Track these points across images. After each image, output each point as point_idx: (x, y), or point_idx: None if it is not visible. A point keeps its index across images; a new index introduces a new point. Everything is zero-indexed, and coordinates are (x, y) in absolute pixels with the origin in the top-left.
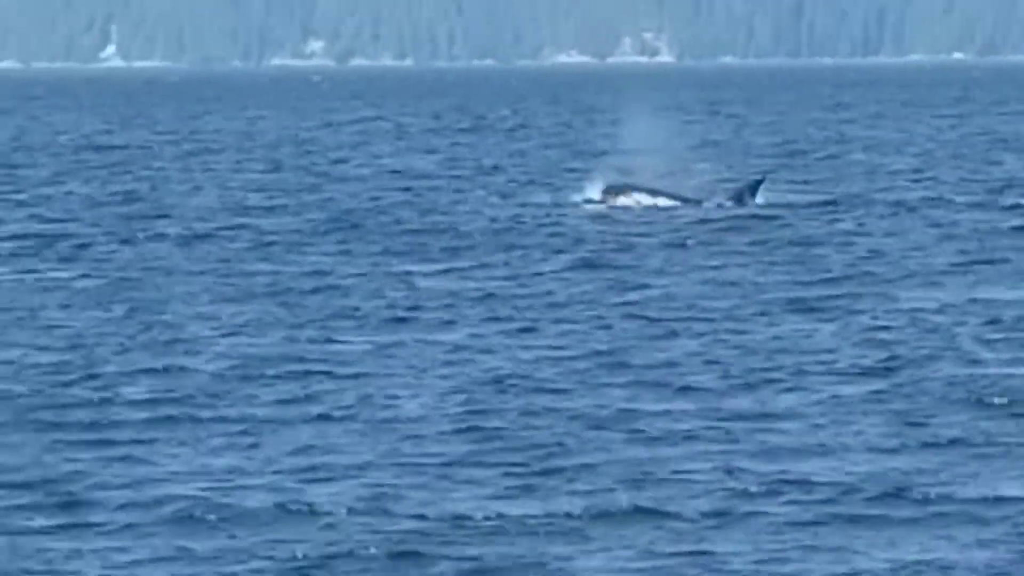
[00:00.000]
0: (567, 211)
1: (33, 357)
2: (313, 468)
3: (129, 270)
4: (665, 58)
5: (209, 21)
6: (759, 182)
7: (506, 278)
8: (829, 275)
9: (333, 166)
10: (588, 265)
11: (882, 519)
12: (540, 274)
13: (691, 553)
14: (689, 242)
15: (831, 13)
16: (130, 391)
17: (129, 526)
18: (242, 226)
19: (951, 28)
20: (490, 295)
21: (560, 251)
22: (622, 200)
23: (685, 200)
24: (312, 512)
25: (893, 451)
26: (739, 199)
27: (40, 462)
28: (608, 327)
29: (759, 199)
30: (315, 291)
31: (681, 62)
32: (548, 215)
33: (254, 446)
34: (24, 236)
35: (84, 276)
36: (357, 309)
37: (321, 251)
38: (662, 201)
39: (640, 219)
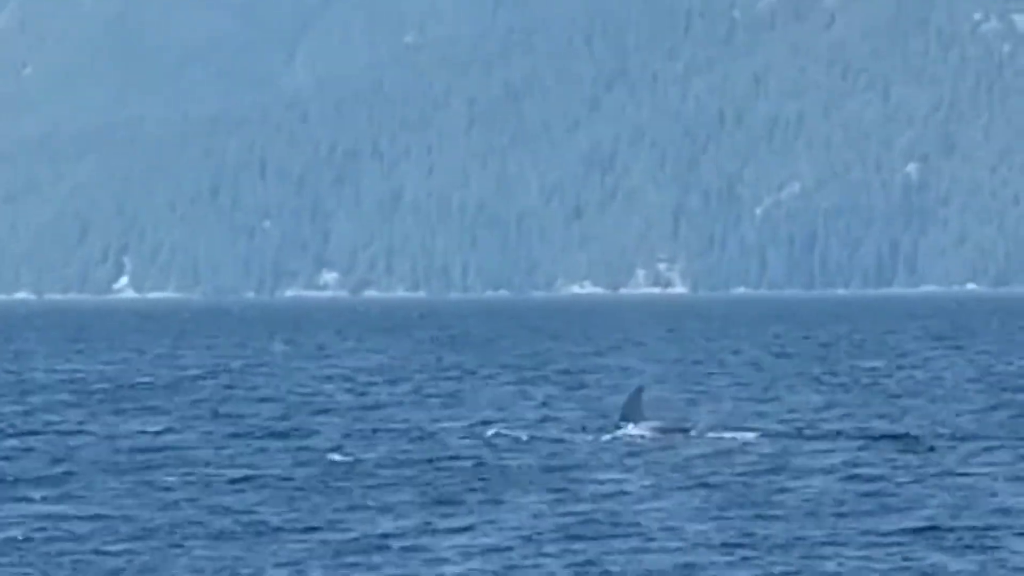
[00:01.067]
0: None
1: None
2: None
3: None
4: (679, 289)
5: (223, 252)
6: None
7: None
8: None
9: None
10: None
11: None
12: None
13: None
14: None
15: (844, 244)
16: None
17: None
18: None
19: (963, 259)
20: None
21: None
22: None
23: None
24: None
25: None
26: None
27: None
28: None
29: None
30: None
31: (695, 293)
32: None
33: None
34: None
35: None
36: None
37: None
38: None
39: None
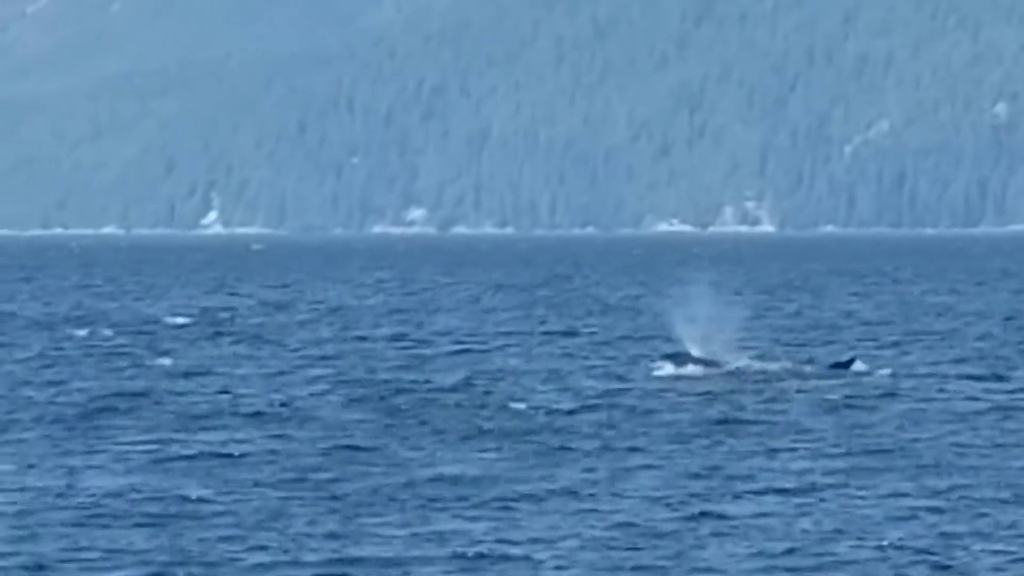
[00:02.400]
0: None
1: None
2: None
3: None
4: (766, 227)
5: (310, 189)
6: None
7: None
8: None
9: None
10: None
11: None
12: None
13: None
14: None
15: (933, 183)
16: None
17: None
18: None
19: None
20: None
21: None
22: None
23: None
24: None
25: None
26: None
27: None
28: None
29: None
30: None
31: (782, 231)
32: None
33: None
34: None
35: None
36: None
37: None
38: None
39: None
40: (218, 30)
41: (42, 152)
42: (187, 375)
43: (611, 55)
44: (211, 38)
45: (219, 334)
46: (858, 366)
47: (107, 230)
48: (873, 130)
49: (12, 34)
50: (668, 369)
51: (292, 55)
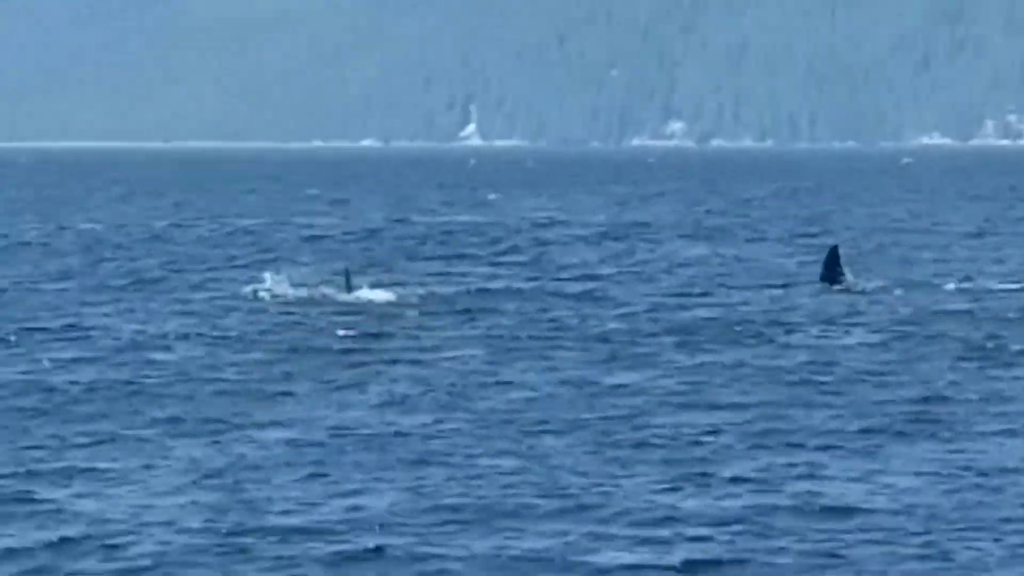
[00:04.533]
0: None
1: None
2: None
3: None
4: None
5: (569, 102)
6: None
7: None
8: None
9: None
10: None
11: None
12: None
13: None
14: None
15: None
16: None
17: None
18: None
19: None
20: None
21: None
22: None
23: None
24: None
25: None
26: None
27: None
28: None
29: None
30: None
31: None
32: None
33: None
34: None
35: None
36: None
37: None
38: None
39: None
40: None
41: (302, 65)
42: None
43: None
44: None
45: None
46: None
47: (366, 143)
48: None
49: None
50: None
51: None
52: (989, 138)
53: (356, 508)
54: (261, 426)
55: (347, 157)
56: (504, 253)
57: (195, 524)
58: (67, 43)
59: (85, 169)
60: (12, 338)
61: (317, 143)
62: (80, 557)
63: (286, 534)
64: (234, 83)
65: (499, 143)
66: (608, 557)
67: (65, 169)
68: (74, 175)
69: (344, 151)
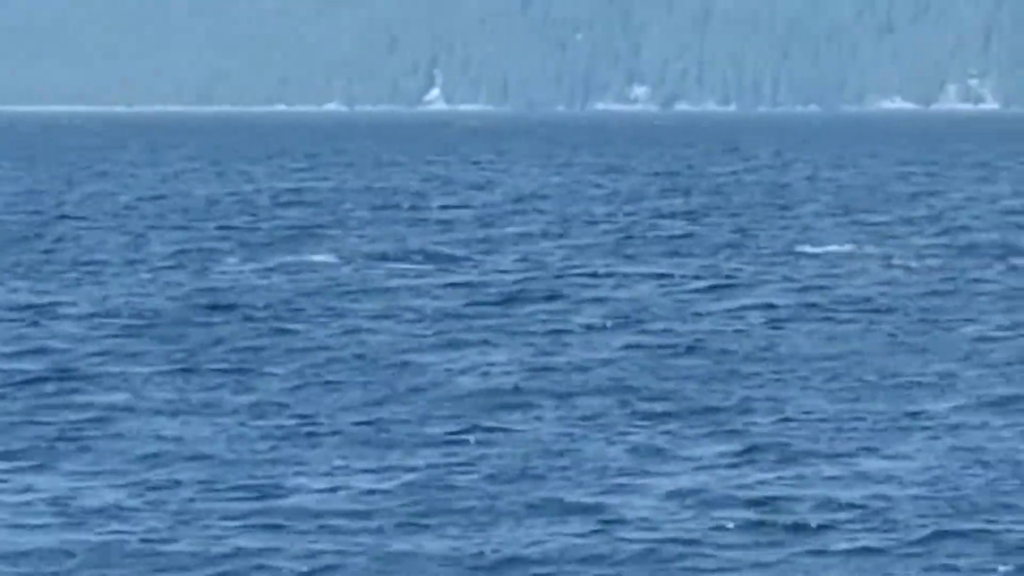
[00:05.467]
0: None
1: None
2: None
3: None
4: (990, 105)
5: (534, 66)
6: None
7: None
8: None
9: None
10: None
11: None
12: None
13: None
14: None
15: None
16: None
17: None
18: None
19: None
20: None
21: None
22: None
23: None
24: None
25: None
26: None
27: None
28: None
29: None
30: None
31: (1006, 109)
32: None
33: None
34: None
35: None
36: None
37: None
38: None
39: None
40: None
41: (266, 28)
42: None
43: None
44: None
45: None
46: None
47: (330, 106)
48: None
49: None
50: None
51: None
52: (951, 103)
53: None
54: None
55: (310, 121)
56: None
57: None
58: (27, 6)
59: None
60: None
61: (281, 107)
62: None
63: None
64: (197, 47)
65: (464, 107)
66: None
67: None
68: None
69: (308, 115)
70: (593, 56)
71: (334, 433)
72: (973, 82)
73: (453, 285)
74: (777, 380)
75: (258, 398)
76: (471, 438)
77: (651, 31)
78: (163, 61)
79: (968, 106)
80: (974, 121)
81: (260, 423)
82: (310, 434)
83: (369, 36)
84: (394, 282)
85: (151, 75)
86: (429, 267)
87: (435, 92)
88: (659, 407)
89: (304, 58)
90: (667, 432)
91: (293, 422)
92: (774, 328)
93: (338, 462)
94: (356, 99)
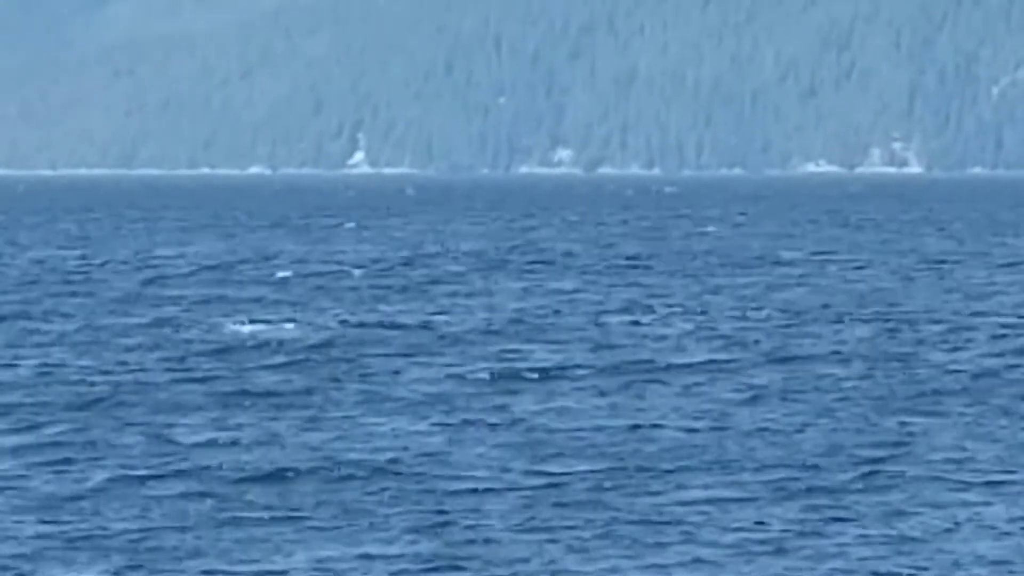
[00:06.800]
0: None
1: None
2: None
3: None
4: (914, 169)
5: (457, 129)
6: None
7: None
8: None
9: None
10: None
11: None
12: None
13: None
14: None
15: None
16: None
17: None
18: None
19: None
20: None
21: None
22: None
23: None
24: None
25: None
26: None
27: None
28: None
29: None
30: None
31: (929, 172)
32: None
33: None
34: None
35: None
36: None
37: None
38: None
39: None
40: None
41: (190, 90)
42: None
43: None
44: None
45: None
46: None
47: (254, 170)
48: (1022, 71)
49: None
50: None
51: None
52: (875, 166)
53: None
54: None
55: (232, 184)
56: None
57: None
58: None
59: None
60: None
61: (205, 170)
62: None
63: None
64: (121, 109)
65: (388, 170)
66: None
67: None
68: None
69: (232, 178)
70: (516, 119)
71: None
72: (897, 145)
73: None
74: None
75: None
76: None
77: (574, 94)
78: (86, 125)
79: (892, 169)
80: (892, 184)
81: None
82: None
83: (293, 99)
84: None
85: (75, 138)
86: None
87: (359, 155)
88: None
89: (228, 121)
90: None
91: None
92: None
93: None
94: (280, 162)
